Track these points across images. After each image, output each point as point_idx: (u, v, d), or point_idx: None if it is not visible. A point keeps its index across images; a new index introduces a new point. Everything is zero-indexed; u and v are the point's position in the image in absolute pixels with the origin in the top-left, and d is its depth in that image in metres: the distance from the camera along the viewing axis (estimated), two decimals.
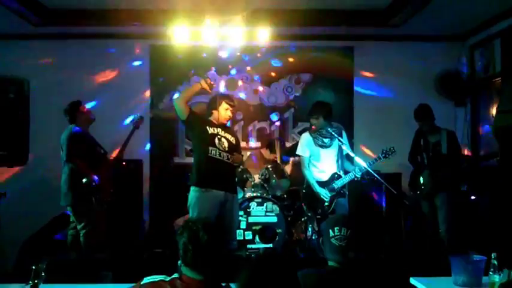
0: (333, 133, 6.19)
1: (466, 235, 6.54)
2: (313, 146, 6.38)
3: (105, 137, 7.90)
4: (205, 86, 5.81)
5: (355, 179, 6.28)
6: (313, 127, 6.38)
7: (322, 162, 6.38)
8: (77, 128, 6.23)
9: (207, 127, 5.84)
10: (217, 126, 5.89)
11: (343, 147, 6.21)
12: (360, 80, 8.67)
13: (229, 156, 5.83)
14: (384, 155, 6.25)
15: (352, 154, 6.19)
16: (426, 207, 6.80)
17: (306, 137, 6.48)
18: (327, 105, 6.49)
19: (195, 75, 8.54)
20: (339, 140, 6.19)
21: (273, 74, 8.75)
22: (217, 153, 5.76)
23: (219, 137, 5.83)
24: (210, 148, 5.75)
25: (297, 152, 6.55)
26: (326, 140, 6.31)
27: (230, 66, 8.71)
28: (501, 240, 5.56)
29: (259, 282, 2.35)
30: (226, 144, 5.85)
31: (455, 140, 6.80)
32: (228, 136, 5.94)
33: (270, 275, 2.35)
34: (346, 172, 6.36)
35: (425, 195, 6.72)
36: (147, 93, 8.59)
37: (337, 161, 6.37)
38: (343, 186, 6.35)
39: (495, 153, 6.78)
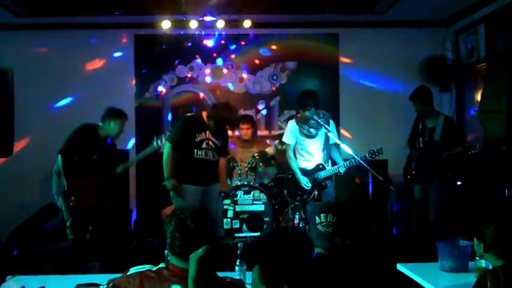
0: (321, 122, 6.14)
1: (455, 221, 6.57)
2: (298, 134, 6.35)
3: None
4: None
5: (338, 173, 6.30)
6: (299, 115, 6.34)
7: (307, 151, 6.36)
8: (86, 125, 6.23)
9: (196, 134, 5.90)
10: (205, 129, 5.93)
11: (330, 134, 6.19)
12: (345, 67, 8.65)
13: (214, 154, 5.93)
14: (370, 155, 6.21)
15: (338, 141, 6.20)
16: (418, 192, 6.80)
17: (292, 125, 6.44)
18: (313, 93, 6.46)
19: (180, 64, 8.57)
20: (326, 129, 6.16)
21: (258, 62, 8.71)
22: (203, 153, 5.87)
23: (207, 141, 5.90)
24: (196, 150, 5.84)
25: (283, 139, 6.54)
26: (312, 130, 6.26)
27: (215, 55, 8.65)
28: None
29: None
30: (212, 145, 5.97)
31: (452, 125, 6.77)
32: (215, 139, 6.00)
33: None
34: (332, 161, 6.37)
35: (416, 180, 6.72)
36: (132, 83, 8.54)
37: (323, 150, 6.34)
38: (326, 178, 6.33)
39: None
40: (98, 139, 6.22)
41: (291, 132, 6.42)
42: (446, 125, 6.61)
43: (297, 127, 6.35)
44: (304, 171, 6.33)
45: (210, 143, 5.93)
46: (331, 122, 6.42)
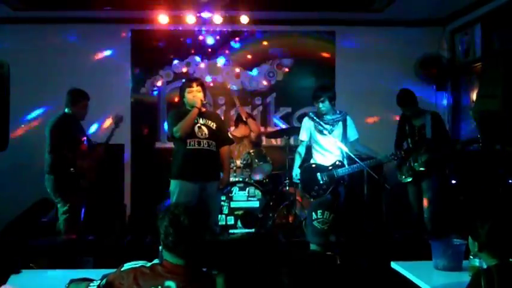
0: (323, 125, 6.12)
1: (449, 220, 6.56)
2: (312, 130, 6.29)
3: (86, 122, 7.86)
4: (199, 106, 5.70)
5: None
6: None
7: (322, 146, 6.28)
8: (64, 114, 6.17)
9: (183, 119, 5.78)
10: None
11: (339, 144, 6.13)
12: (342, 65, 8.66)
13: (209, 142, 5.78)
14: (392, 157, 6.18)
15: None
16: (412, 190, 6.74)
17: (306, 121, 6.37)
18: (331, 87, 6.42)
19: (177, 60, 8.59)
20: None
21: (254, 58, 8.72)
22: (196, 143, 5.70)
23: (198, 125, 5.76)
24: (189, 140, 5.66)
25: (299, 137, 6.47)
26: (327, 127, 6.16)
27: (212, 51, 8.65)
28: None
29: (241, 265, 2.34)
30: (206, 131, 5.76)
31: (440, 121, 6.68)
32: (209, 122, 5.83)
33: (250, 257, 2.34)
34: (358, 157, 6.25)
35: (411, 179, 6.68)
36: (128, 78, 8.54)
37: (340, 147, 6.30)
38: (344, 176, 6.22)
39: (475, 138, 6.75)
40: (74, 121, 6.24)
41: (304, 128, 6.39)
42: (435, 121, 6.53)
43: (312, 123, 6.28)
44: (321, 167, 6.24)
45: (203, 127, 5.74)
46: (349, 118, 6.34)
